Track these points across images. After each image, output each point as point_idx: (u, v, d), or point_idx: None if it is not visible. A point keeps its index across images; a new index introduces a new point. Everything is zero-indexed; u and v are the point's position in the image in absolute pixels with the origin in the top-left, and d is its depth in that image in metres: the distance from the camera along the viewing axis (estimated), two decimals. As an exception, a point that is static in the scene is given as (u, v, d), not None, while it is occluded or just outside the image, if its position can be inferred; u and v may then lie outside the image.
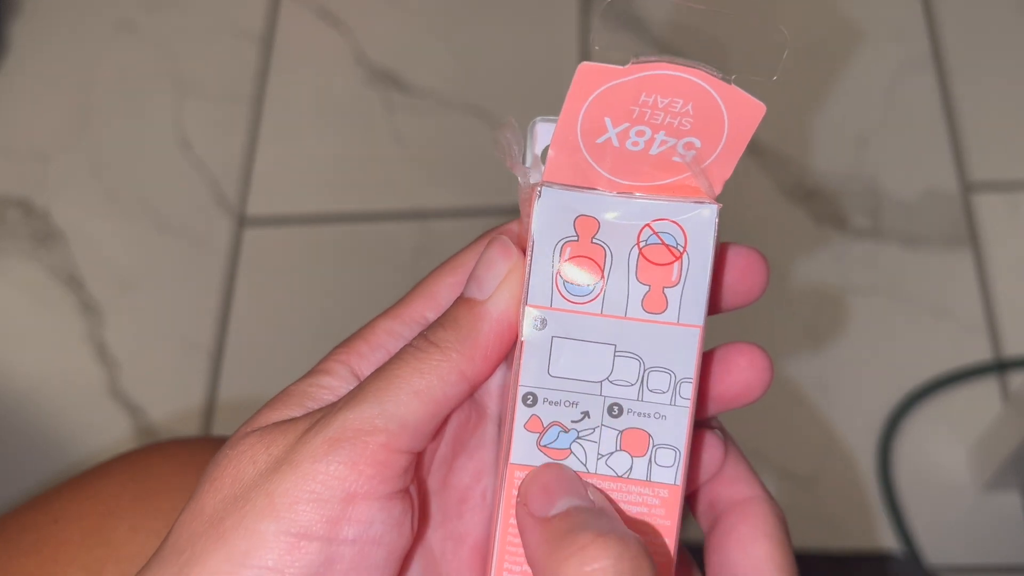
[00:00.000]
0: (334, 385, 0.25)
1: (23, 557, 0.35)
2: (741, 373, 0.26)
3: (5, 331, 0.82)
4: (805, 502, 0.69)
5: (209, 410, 0.77)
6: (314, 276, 0.82)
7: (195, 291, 0.82)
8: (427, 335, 0.24)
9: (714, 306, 0.26)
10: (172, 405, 0.77)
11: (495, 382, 0.27)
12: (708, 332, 0.25)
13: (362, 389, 0.24)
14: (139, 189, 0.86)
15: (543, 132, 0.25)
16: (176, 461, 0.37)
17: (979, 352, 0.72)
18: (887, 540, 0.68)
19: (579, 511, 0.22)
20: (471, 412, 0.27)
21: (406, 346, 0.24)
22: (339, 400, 0.24)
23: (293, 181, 0.85)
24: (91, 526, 0.35)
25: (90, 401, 0.78)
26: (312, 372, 0.25)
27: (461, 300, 0.25)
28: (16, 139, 0.90)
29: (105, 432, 0.77)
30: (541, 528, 0.22)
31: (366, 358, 0.25)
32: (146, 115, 0.89)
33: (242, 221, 0.84)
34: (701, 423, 0.27)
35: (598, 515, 0.22)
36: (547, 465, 0.24)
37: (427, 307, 0.26)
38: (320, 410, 0.24)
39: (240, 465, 0.23)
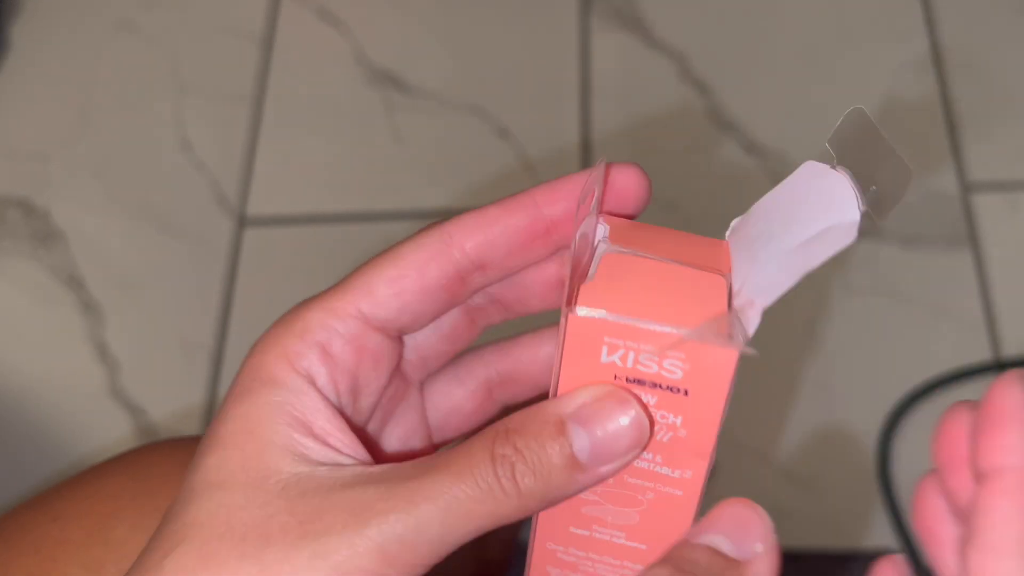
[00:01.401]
0: (292, 401, 0.24)
1: (23, 557, 0.35)
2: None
3: (5, 331, 0.82)
4: (805, 502, 0.69)
5: (209, 410, 0.77)
6: (314, 276, 0.82)
7: (195, 291, 0.82)
8: (517, 473, 0.22)
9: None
10: (172, 405, 0.77)
11: (417, 348, 0.28)
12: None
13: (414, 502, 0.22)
14: (139, 189, 0.86)
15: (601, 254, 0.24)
16: (176, 461, 0.37)
17: (979, 352, 0.72)
18: (887, 540, 0.68)
19: (767, 558, 0.23)
20: (397, 384, 0.27)
21: (482, 465, 0.22)
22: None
23: (293, 181, 0.85)
24: (91, 525, 0.35)
25: (90, 401, 0.78)
26: (265, 381, 0.24)
27: (574, 463, 0.22)
28: (16, 139, 0.90)
29: (105, 432, 0.77)
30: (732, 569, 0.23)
31: (305, 358, 0.24)
32: (146, 115, 0.89)
33: (242, 221, 0.84)
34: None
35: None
36: (749, 502, 0.24)
37: (363, 301, 0.25)
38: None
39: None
